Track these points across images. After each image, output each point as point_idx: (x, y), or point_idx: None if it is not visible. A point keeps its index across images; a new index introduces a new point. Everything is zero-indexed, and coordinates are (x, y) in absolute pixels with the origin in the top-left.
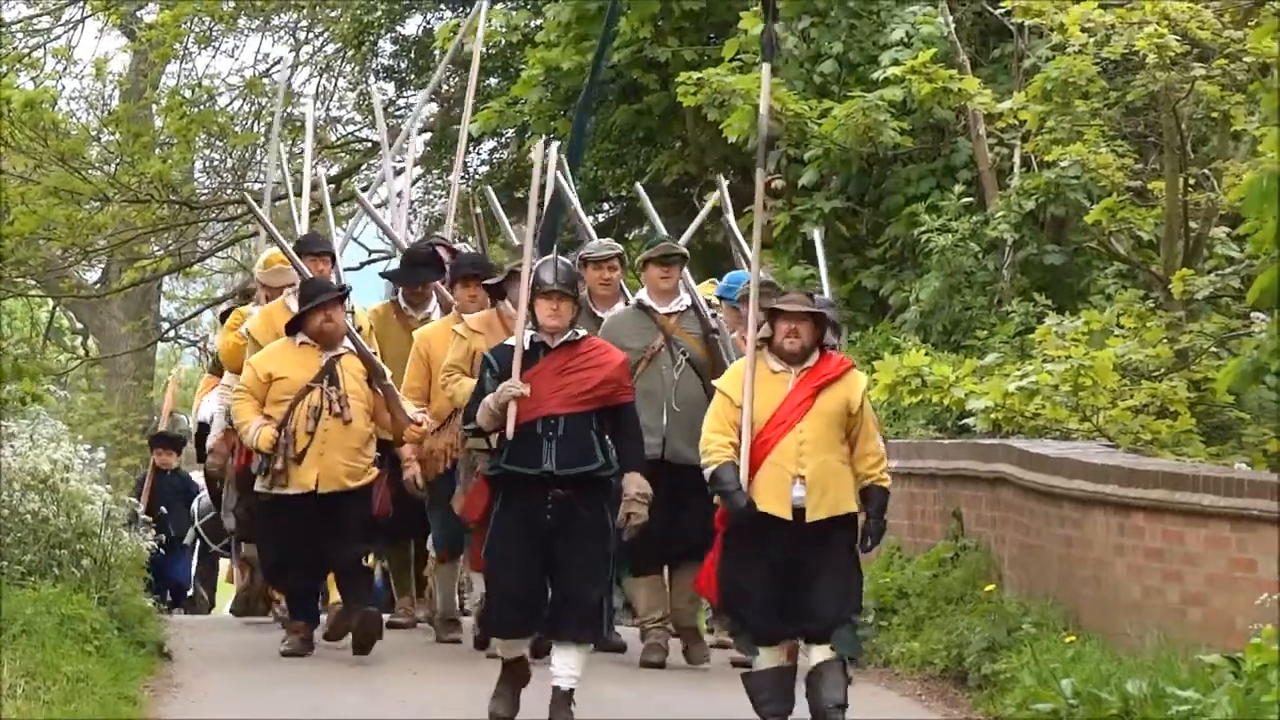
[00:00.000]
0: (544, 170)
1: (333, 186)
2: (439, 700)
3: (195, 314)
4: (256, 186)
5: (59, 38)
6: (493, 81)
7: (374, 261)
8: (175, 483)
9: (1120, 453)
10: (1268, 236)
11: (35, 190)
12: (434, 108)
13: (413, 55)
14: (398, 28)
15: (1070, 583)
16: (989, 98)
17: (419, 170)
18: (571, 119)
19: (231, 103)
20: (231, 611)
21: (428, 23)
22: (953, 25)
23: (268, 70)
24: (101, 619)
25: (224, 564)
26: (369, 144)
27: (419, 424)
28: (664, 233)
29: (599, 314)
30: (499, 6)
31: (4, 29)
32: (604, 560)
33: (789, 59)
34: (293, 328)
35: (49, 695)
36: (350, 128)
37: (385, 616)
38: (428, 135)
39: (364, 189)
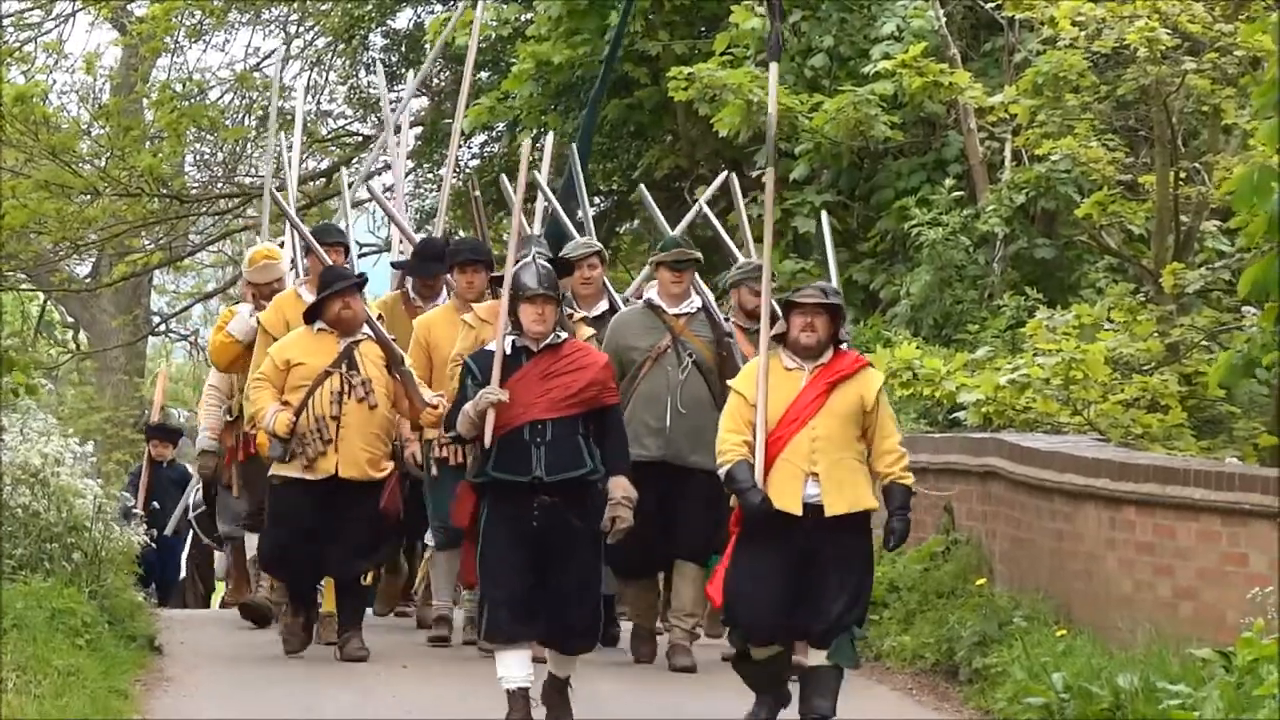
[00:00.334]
0: (531, 167)
1: (322, 180)
2: (432, 698)
3: (186, 308)
4: (248, 181)
5: (50, 32)
6: (483, 76)
7: (364, 255)
8: (172, 475)
9: (1111, 447)
10: (1258, 230)
11: (26, 184)
12: (424, 101)
13: (403, 49)
14: (388, 21)
15: (1061, 577)
16: (980, 92)
17: (409, 164)
18: (563, 113)
19: (222, 96)
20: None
21: (418, 16)
22: (943, 19)
23: (258, 64)
24: (93, 613)
25: (218, 556)
26: (360, 138)
27: (436, 407)
28: (670, 233)
29: (584, 314)
30: (490, 0)
31: None
32: (596, 567)
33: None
34: (311, 316)
35: (40, 689)
36: (341, 121)
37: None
38: (419, 129)
39: (350, 184)
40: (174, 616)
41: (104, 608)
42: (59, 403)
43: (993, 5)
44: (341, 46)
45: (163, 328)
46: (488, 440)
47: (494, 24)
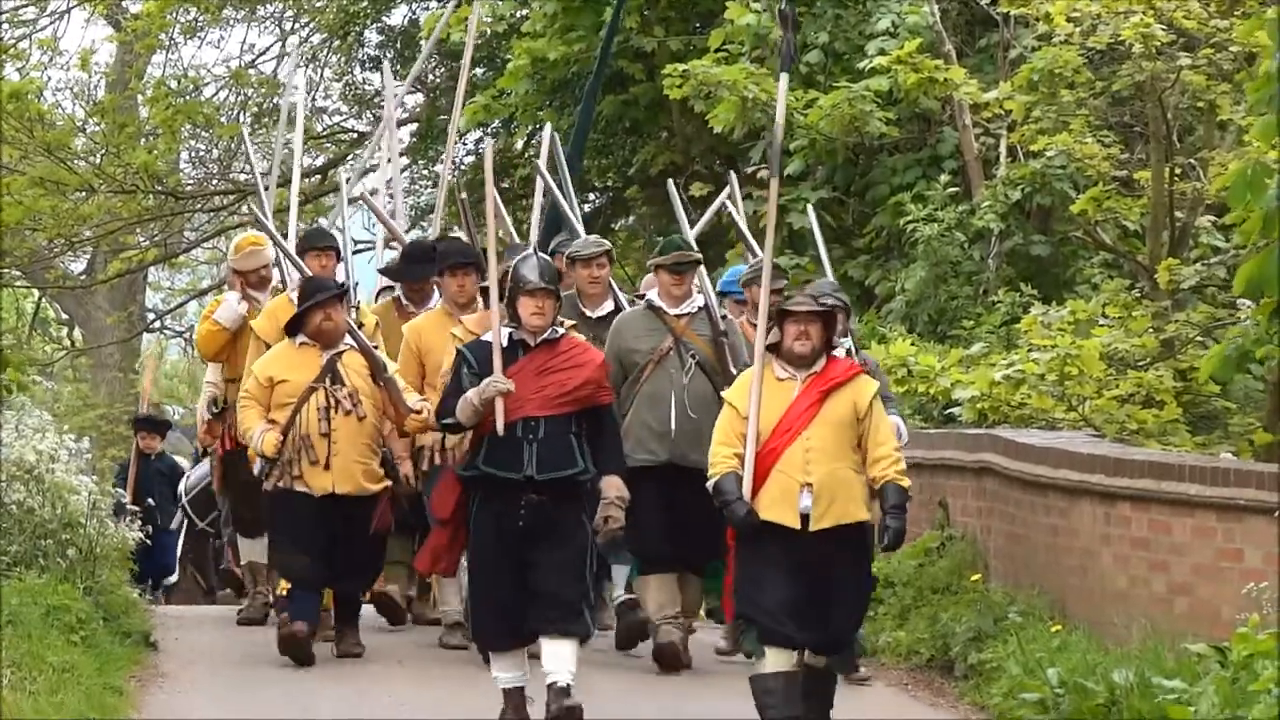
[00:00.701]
0: (534, 158)
1: (318, 177)
2: (429, 699)
3: (181, 304)
4: (242, 177)
5: (45, 28)
6: (479, 72)
7: (358, 252)
8: (161, 468)
9: (1106, 442)
10: (1254, 227)
11: (21, 181)
12: (419, 98)
13: (398, 45)
14: (383, 18)
15: (1056, 572)
16: (975, 88)
17: (404, 161)
18: (559, 110)
19: (217, 93)
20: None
21: (413, 13)
22: (938, 15)
23: (253, 61)
24: (87, 609)
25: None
26: (355, 134)
27: (419, 413)
28: (689, 232)
29: (588, 313)
30: None
31: None
32: (580, 559)
33: (775, 49)
34: (292, 328)
35: (35, 686)
36: (336, 118)
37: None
38: (414, 126)
39: (347, 179)
40: (169, 613)
41: (99, 604)
42: (54, 399)
43: (988, 1)
44: (337, 43)
45: (157, 324)
46: (500, 429)
47: (489, 20)
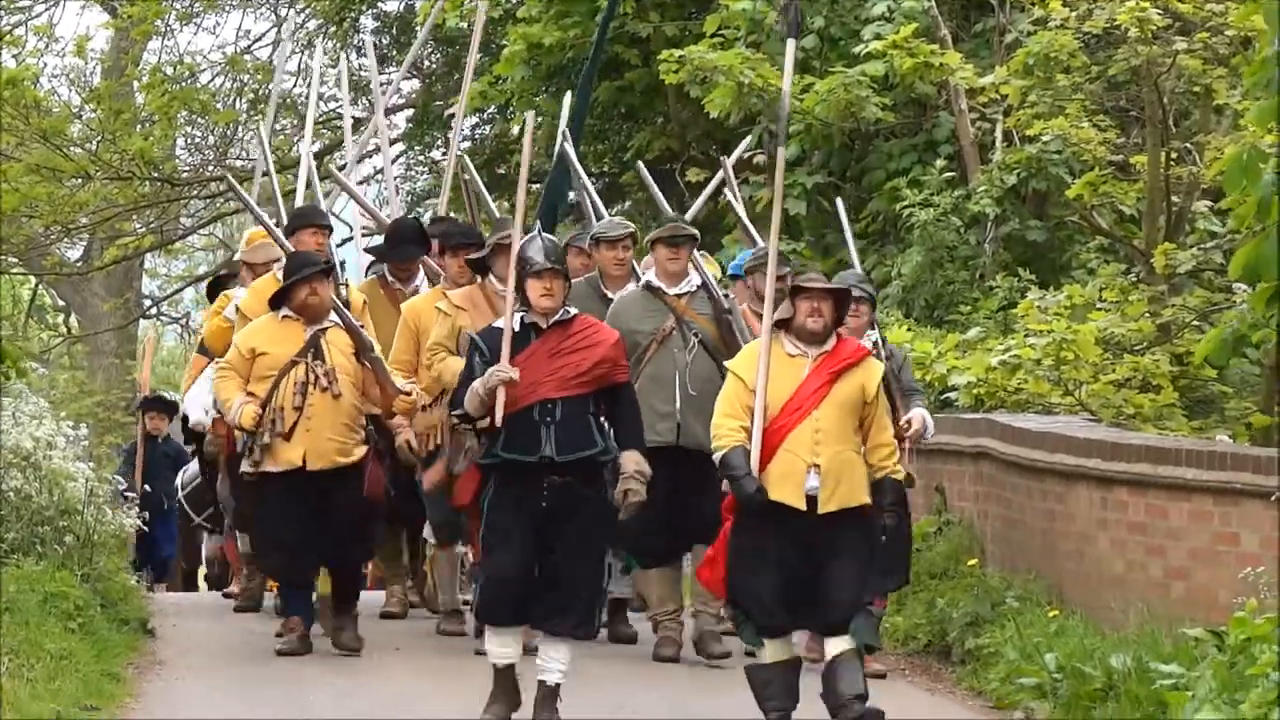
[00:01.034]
0: (534, 145)
1: (314, 162)
2: (425, 684)
3: (177, 291)
4: (239, 163)
5: (40, 15)
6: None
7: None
8: (167, 451)
9: (1103, 427)
10: (1249, 213)
11: (17, 168)
12: (415, 84)
13: (394, 31)
14: (379, 4)
15: (1053, 557)
16: (971, 72)
17: (400, 147)
18: (555, 96)
19: (213, 79)
20: (239, 609)
21: None
22: (934, 0)
23: (249, 47)
24: (85, 596)
25: (206, 539)
26: (351, 120)
27: (408, 394)
28: (669, 212)
29: (611, 295)
30: None
31: None
32: (603, 553)
33: (770, 34)
34: (276, 302)
35: (33, 673)
36: (332, 104)
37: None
38: (410, 112)
39: (341, 167)
40: (166, 600)
41: (96, 591)
42: (51, 386)
43: None
44: (332, 29)
45: (154, 311)
46: (498, 420)
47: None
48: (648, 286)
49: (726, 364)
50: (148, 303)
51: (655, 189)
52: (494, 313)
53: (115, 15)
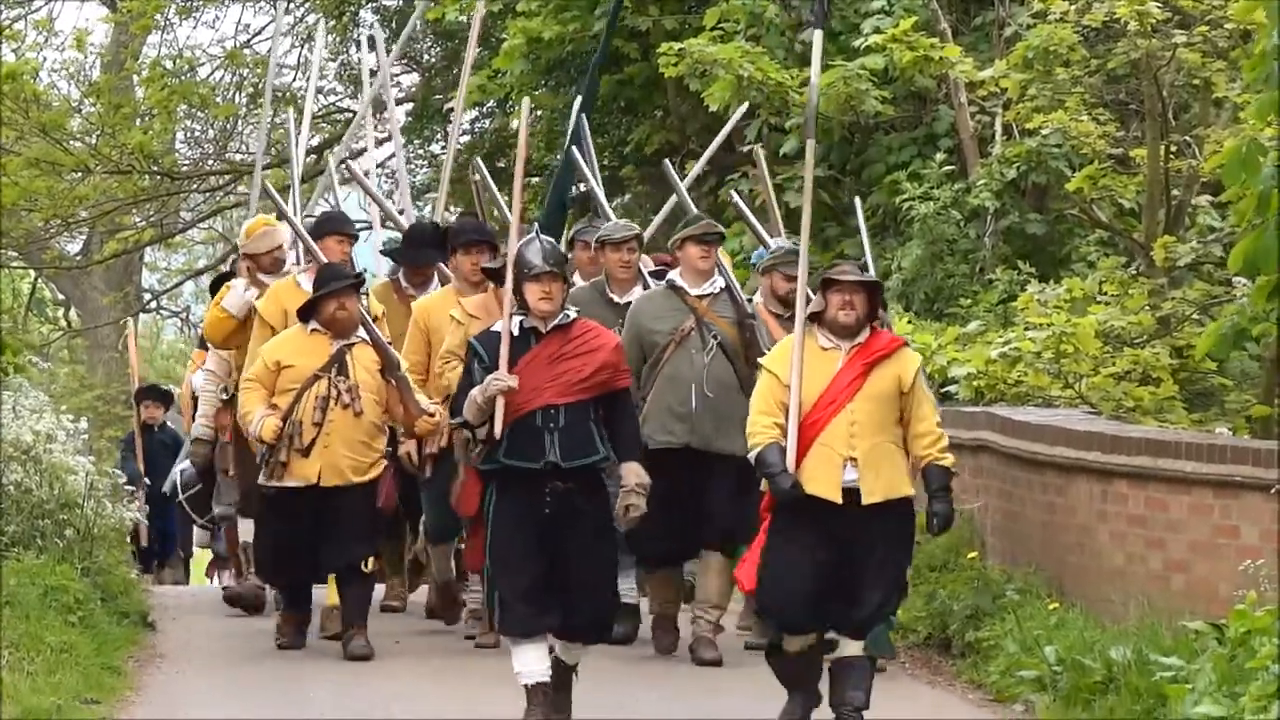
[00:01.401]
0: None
1: (313, 158)
2: (424, 678)
3: (176, 285)
4: (238, 158)
5: (40, 9)
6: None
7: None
8: (164, 439)
9: (1103, 420)
10: (1249, 207)
11: (17, 162)
12: (414, 78)
13: (394, 25)
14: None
15: (1053, 550)
16: (970, 66)
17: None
18: (554, 90)
19: (212, 73)
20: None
21: None
22: None
23: (249, 41)
24: (85, 590)
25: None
26: (350, 114)
27: (432, 415)
28: (694, 210)
29: (616, 298)
30: None
31: None
32: (612, 555)
33: (770, 27)
34: (305, 314)
35: (33, 666)
36: (332, 98)
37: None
38: (409, 106)
39: (342, 161)
40: (167, 593)
41: (96, 584)
42: (51, 380)
43: None
44: (332, 23)
45: (153, 305)
46: (498, 431)
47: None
48: (670, 285)
49: (761, 360)
50: (147, 296)
51: (681, 187)
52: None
53: (114, 9)
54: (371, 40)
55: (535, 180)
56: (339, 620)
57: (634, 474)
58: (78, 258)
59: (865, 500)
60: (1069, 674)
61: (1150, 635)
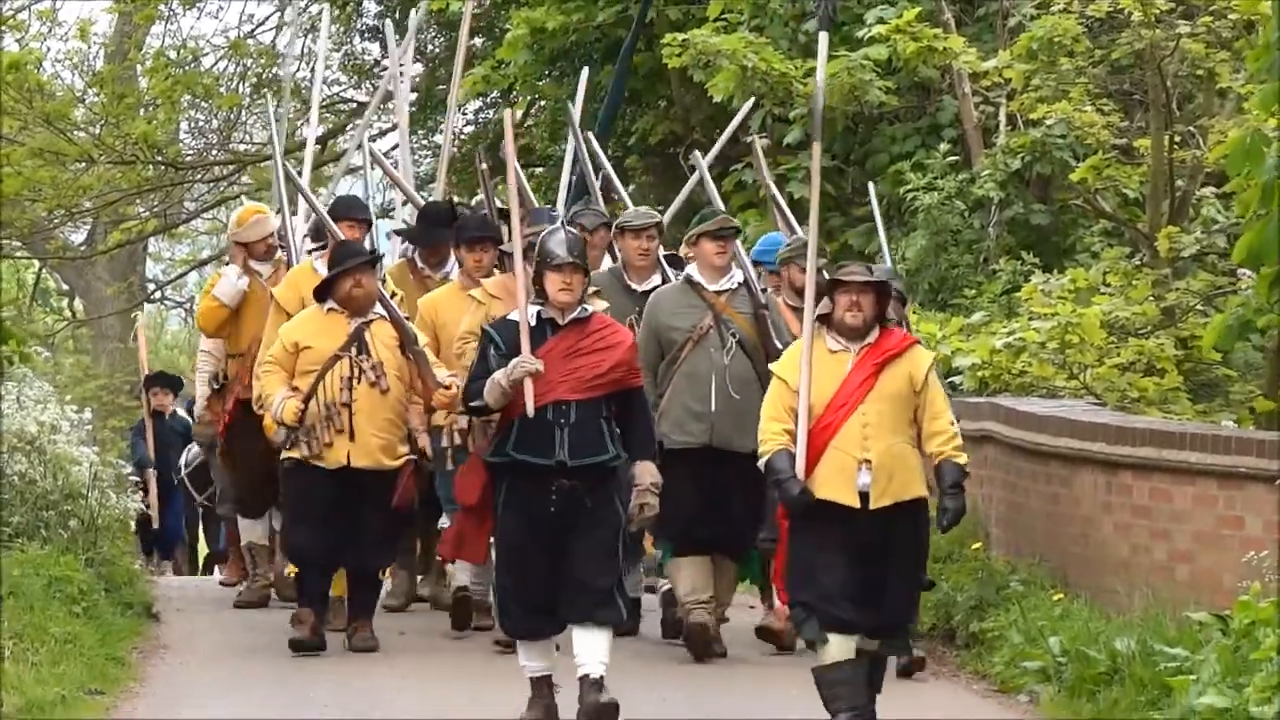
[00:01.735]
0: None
1: (319, 147)
2: (427, 669)
3: (181, 275)
4: (242, 148)
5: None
6: (477, 43)
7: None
8: (175, 427)
9: (1107, 410)
10: (1253, 199)
11: (21, 152)
12: (418, 68)
13: (396, 15)
14: None
15: (1058, 541)
16: (974, 56)
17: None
18: (557, 80)
19: (216, 63)
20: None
21: None
22: None
23: (252, 31)
24: (89, 580)
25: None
26: (354, 104)
27: (449, 388)
28: (718, 201)
29: (634, 286)
30: None
31: None
32: (612, 548)
33: (773, 18)
34: (321, 294)
35: (37, 657)
36: (336, 88)
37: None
38: (413, 96)
39: (357, 147)
40: (171, 585)
41: (100, 575)
42: (55, 370)
43: None
44: (336, 13)
45: (158, 295)
46: (530, 410)
47: None
48: (688, 280)
49: (771, 366)
50: (151, 287)
51: (710, 181)
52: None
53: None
54: (378, 30)
55: (539, 170)
56: (344, 613)
57: (648, 473)
58: (82, 248)
59: (874, 505)
60: (1073, 665)
61: (1155, 626)
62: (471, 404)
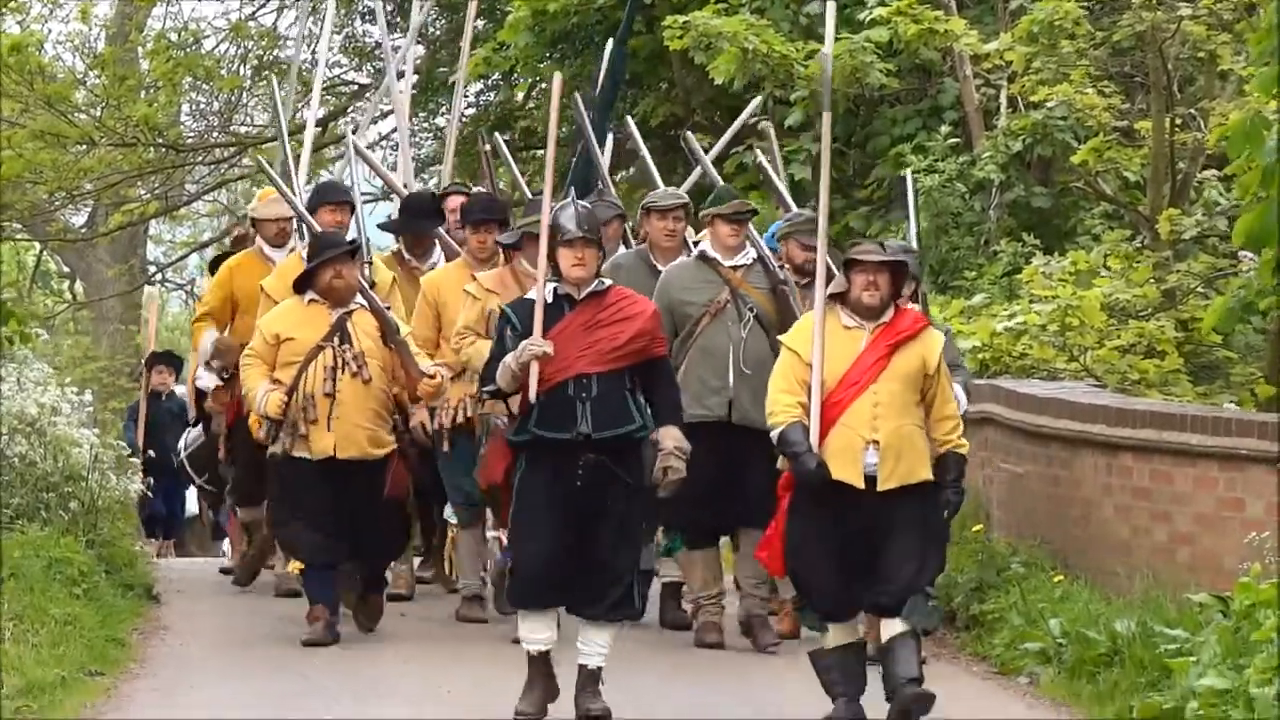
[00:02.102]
0: (562, 110)
1: (319, 130)
2: (435, 657)
3: (182, 258)
4: (243, 130)
5: None
6: (479, 25)
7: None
8: (172, 408)
9: (1108, 392)
10: (1253, 181)
11: (22, 134)
12: (419, 50)
13: None
14: None
15: (1058, 523)
16: (975, 39)
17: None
18: (559, 62)
19: (217, 46)
20: (235, 582)
21: None
22: None
23: (254, 13)
24: (89, 562)
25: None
26: (355, 86)
27: (434, 378)
28: (720, 181)
29: (661, 268)
30: None
31: None
32: (639, 532)
33: (774, 0)
34: (301, 285)
35: (38, 639)
36: (336, 71)
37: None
38: (415, 78)
39: (355, 130)
40: (172, 566)
41: (101, 557)
42: (55, 352)
43: None
44: None
45: (159, 277)
46: (532, 396)
47: None
48: (702, 256)
49: (781, 338)
50: (152, 269)
51: (708, 161)
52: (525, 295)
53: None
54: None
55: (539, 153)
56: (349, 602)
57: (673, 438)
58: (83, 230)
59: (881, 486)
60: (1073, 647)
61: (1155, 608)
62: (485, 388)
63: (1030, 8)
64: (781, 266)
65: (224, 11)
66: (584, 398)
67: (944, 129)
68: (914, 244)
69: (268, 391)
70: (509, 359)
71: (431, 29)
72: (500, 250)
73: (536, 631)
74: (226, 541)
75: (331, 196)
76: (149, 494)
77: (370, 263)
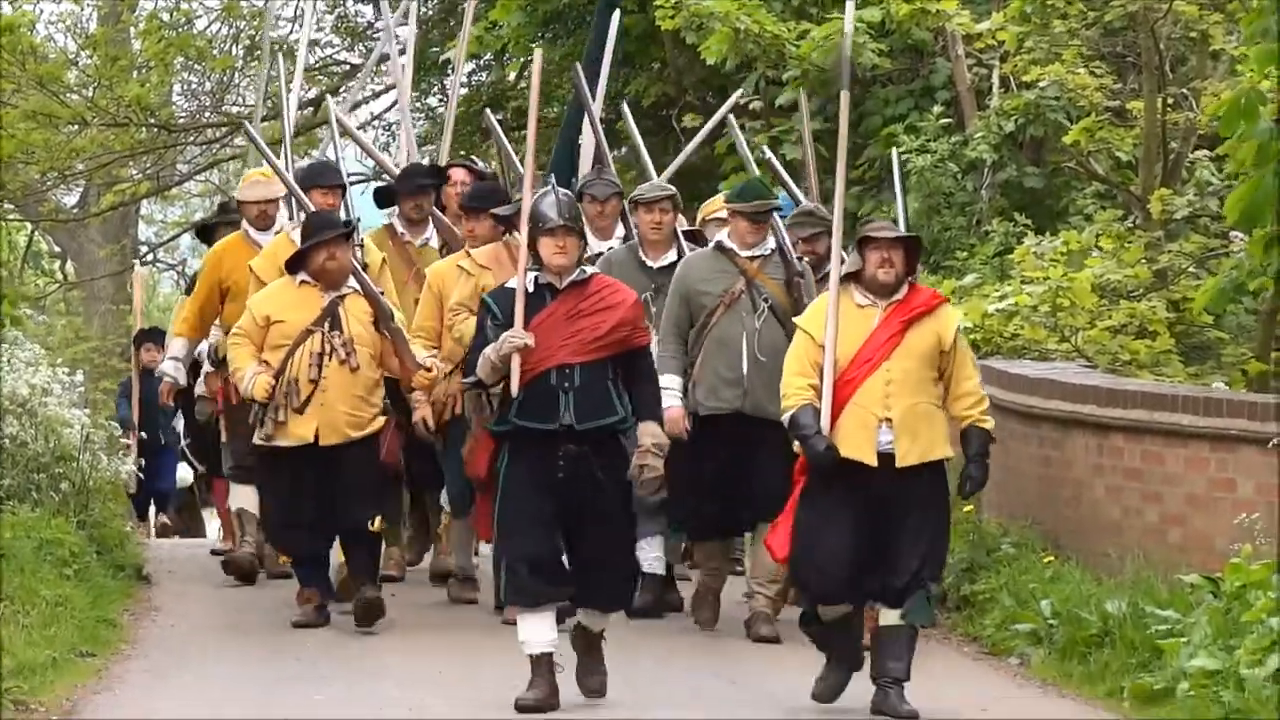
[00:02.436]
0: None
1: (310, 110)
2: (424, 635)
3: (174, 237)
4: (235, 110)
5: None
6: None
7: (352, 184)
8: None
9: (1099, 373)
10: (1247, 156)
11: (13, 114)
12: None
13: None
14: None
15: (1049, 504)
16: (967, 19)
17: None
18: (551, 41)
19: (209, 26)
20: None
21: None
22: None
23: None
24: (80, 543)
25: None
26: (347, 66)
27: (429, 369)
28: (755, 168)
29: (649, 262)
30: None
31: None
32: (629, 522)
33: None
34: (293, 266)
35: (28, 620)
36: (328, 50)
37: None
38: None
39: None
40: (162, 546)
41: (92, 538)
42: (47, 333)
43: None
44: None
45: (150, 257)
46: (515, 388)
47: None
48: (719, 246)
49: (795, 320)
50: (144, 249)
51: (686, 147)
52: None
53: None
54: None
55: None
56: (346, 587)
57: (650, 434)
58: (74, 210)
59: (900, 463)
60: (1064, 627)
61: (1146, 588)
62: (466, 379)
63: None
64: (800, 258)
65: None
66: (566, 388)
67: (936, 109)
68: (901, 223)
69: (255, 374)
70: (489, 351)
71: (423, 9)
72: (501, 228)
73: (537, 632)
74: (218, 523)
75: (323, 179)
76: (140, 476)
77: (361, 244)
